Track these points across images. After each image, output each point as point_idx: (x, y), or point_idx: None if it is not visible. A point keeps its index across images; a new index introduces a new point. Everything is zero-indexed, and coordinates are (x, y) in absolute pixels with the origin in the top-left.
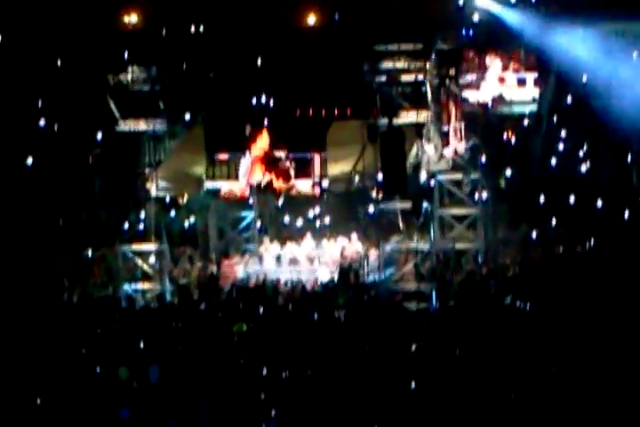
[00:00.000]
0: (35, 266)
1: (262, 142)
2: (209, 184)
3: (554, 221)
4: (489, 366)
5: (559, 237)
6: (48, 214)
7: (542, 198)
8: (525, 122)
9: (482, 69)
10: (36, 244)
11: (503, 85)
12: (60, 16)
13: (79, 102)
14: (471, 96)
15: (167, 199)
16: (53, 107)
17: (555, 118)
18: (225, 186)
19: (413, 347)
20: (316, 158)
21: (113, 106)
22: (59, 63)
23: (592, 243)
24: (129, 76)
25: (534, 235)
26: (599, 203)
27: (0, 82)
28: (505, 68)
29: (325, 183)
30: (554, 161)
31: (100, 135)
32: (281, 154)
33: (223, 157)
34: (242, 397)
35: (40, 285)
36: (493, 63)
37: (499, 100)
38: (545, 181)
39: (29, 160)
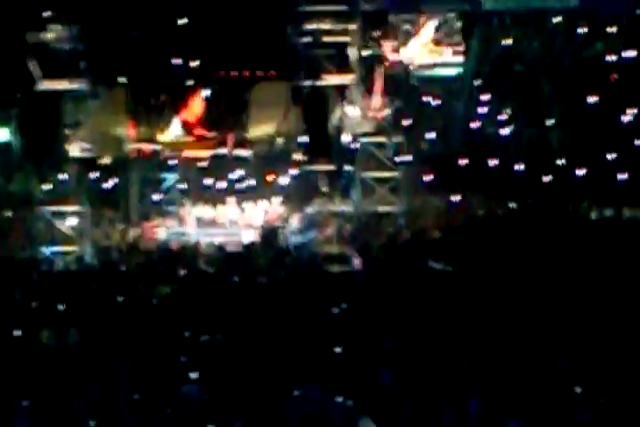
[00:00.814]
0: None
1: (188, 105)
2: (130, 145)
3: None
4: (409, 327)
5: (480, 201)
6: None
7: (464, 162)
8: (448, 85)
9: (406, 32)
10: None
11: (427, 48)
12: None
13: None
14: (395, 59)
15: (88, 160)
16: None
17: (477, 82)
18: (146, 147)
19: (335, 309)
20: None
21: (33, 65)
22: None
23: (512, 206)
24: (50, 35)
25: (456, 198)
26: (520, 166)
27: None
28: (429, 31)
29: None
30: (475, 125)
31: (19, 95)
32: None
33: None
34: (162, 359)
35: None
36: (417, 26)
37: (422, 63)
38: (466, 145)
39: None
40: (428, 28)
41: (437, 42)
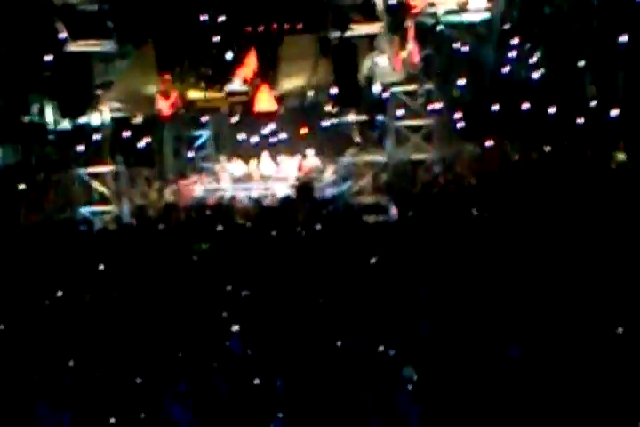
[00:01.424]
0: None
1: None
2: (163, 104)
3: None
4: (447, 276)
5: (514, 145)
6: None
7: (496, 107)
8: (477, 31)
9: None
10: None
11: None
12: None
13: (26, 24)
14: (423, 6)
15: (121, 120)
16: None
17: (507, 26)
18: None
19: (373, 260)
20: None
21: (61, 27)
22: None
23: (547, 149)
24: None
25: (489, 144)
26: (552, 110)
27: None
28: None
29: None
30: (506, 69)
31: (49, 57)
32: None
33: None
34: (204, 314)
35: None
36: None
37: (451, 9)
38: (498, 90)
39: None
40: None
41: None
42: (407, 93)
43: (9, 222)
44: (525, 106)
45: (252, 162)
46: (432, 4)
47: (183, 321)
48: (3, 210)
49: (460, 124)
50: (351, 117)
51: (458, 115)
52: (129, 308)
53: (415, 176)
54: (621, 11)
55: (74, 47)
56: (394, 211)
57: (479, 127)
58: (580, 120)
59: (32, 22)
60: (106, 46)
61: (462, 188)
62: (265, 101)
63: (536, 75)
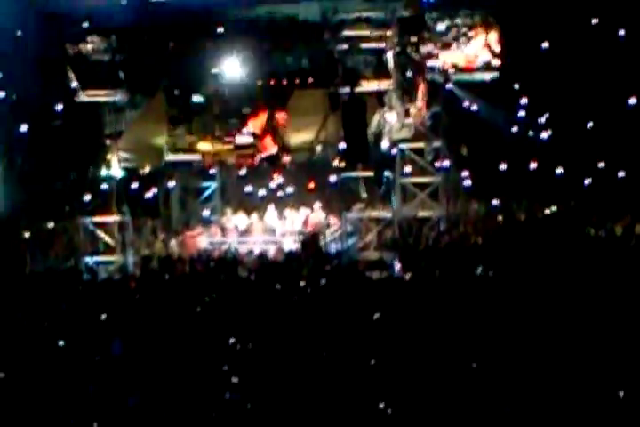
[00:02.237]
0: None
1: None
2: (170, 155)
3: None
4: (451, 334)
5: (520, 205)
6: (9, 187)
7: (503, 166)
8: (487, 89)
9: (443, 37)
10: None
11: (465, 53)
12: None
13: (39, 73)
14: (433, 64)
15: (129, 170)
16: (12, 77)
17: (516, 86)
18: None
19: (376, 315)
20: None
21: (72, 76)
22: (18, 33)
23: (553, 210)
24: (88, 46)
25: (496, 203)
26: (560, 170)
27: None
28: (467, 35)
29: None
30: (514, 129)
31: (59, 106)
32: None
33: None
34: (205, 366)
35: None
36: (455, 31)
37: (460, 67)
38: (506, 149)
39: None
40: (467, 32)
41: (475, 45)
42: (415, 150)
43: (13, 270)
44: (533, 165)
45: (258, 215)
46: (442, 62)
47: (184, 373)
48: (8, 257)
49: (466, 183)
50: (358, 173)
51: (465, 173)
52: (130, 358)
53: (420, 233)
54: (632, 72)
55: (85, 97)
56: (398, 267)
57: (486, 186)
58: (588, 181)
59: (44, 70)
60: (116, 96)
61: (467, 246)
62: (268, 146)
63: (544, 134)
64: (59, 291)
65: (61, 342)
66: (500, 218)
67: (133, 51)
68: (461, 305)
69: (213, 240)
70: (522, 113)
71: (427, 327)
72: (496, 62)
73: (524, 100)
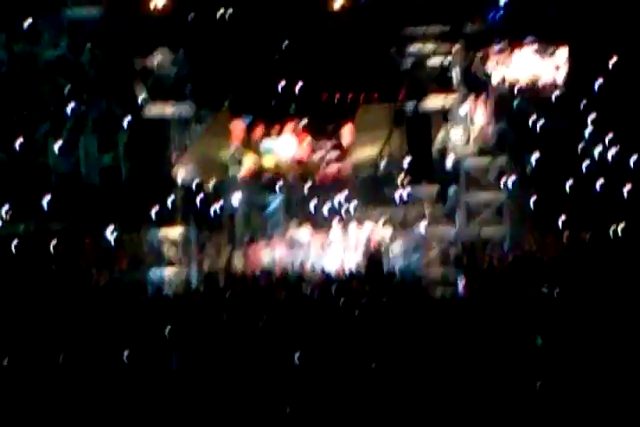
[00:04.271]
0: (62, 250)
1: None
2: (235, 169)
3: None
4: (515, 353)
5: (587, 223)
6: (76, 199)
7: (569, 184)
8: (553, 106)
9: (510, 52)
10: (64, 228)
11: (532, 69)
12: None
13: (107, 86)
14: (499, 80)
15: (194, 184)
16: (81, 91)
17: (583, 103)
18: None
19: (438, 333)
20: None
21: (140, 90)
22: (88, 46)
23: (620, 228)
24: (156, 60)
25: (561, 220)
26: (627, 188)
27: (29, 65)
28: (534, 51)
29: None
30: (581, 145)
31: (127, 120)
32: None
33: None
34: (265, 383)
35: (67, 269)
36: (522, 46)
37: (527, 83)
38: (572, 167)
39: (57, 145)
40: (534, 48)
41: (543, 62)
42: (480, 167)
43: (79, 282)
44: (600, 183)
45: (322, 230)
46: (508, 78)
47: (244, 389)
48: (73, 269)
49: (531, 200)
50: (423, 189)
51: (530, 190)
52: (191, 373)
53: (484, 251)
54: None
55: (151, 110)
56: (462, 285)
57: (551, 204)
58: None
59: (113, 84)
60: (183, 110)
61: (531, 265)
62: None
63: (611, 152)
64: (123, 303)
65: (125, 354)
66: (565, 236)
67: (200, 65)
68: (525, 324)
69: (277, 255)
70: (588, 130)
71: (490, 346)
72: (563, 79)
73: (590, 117)
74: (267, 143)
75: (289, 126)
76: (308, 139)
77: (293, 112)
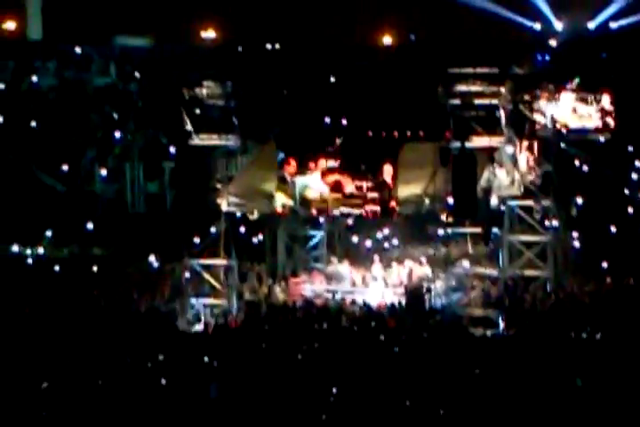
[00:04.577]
0: (104, 276)
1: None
2: (279, 201)
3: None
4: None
5: (631, 268)
6: (120, 226)
7: (613, 228)
8: (599, 150)
9: (557, 96)
10: (108, 254)
11: (578, 112)
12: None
13: (154, 115)
14: (545, 122)
15: (237, 215)
16: (129, 119)
17: (630, 148)
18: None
19: (477, 372)
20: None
21: (187, 120)
22: (137, 75)
23: None
24: (204, 91)
25: (605, 264)
26: None
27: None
28: (580, 94)
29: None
30: (627, 191)
31: (173, 149)
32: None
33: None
34: (306, 415)
35: (108, 295)
36: (568, 90)
37: (573, 127)
38: (617, 211)
39: (103, 172)
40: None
41: (588, 106)
42: (524, 208)
43: (120, 308)
44: None
45: (364, 266)
46: (554, 121)
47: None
48: (115, 296)
49: (575, 243)
50: (466, 228)
51: (574, 233)
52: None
53: (527, 292)
54: None
55: (197, 140)
56: (502, 325)
57: (595, 247)
58: None
59: (161, 113)
60: (229, 141)
61: (573, 308)
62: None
63: None
64: (163, 331)
65: (163, 381)
66: (608, 280)
67: (247, 97)
68: (565, 366)
69: (318, 288)
70: (635, 176)
71: (529, 386)
72: (610, 123)
73: (638, 163)
74: (311, 178)
75: (333, 162)
76: (352, 175)
77: (338, 148)
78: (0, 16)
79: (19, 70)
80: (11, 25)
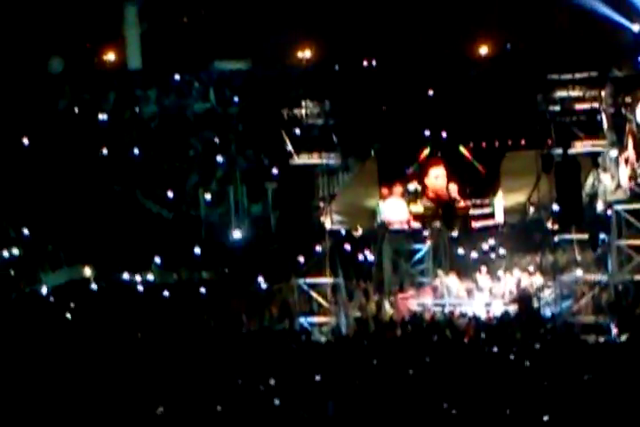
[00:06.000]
0: (213, 299)
1: (436, 175)
2: (383, 217)
3: None
4: None
5: None
6: (226, 248)
7: None
8: None
9: None
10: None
11: None
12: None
13: (255, 137)
14: None
15: (342, 232)
16: (229, 142)
17: None
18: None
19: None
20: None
21: (287, 140)
22: (236, 99)
23: None
24: (303, 111)
25: None
26: None
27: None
28: None
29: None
30: None
31: (276, 169)
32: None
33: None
34: None
35: (218, 317)
36: None
37: None
38: None
39: (207, 196)
40: None
41: None
42: (631, 212)
43: (230, 329)
44: None
45: (471, 277)
46: None
47: None
48: (225, 317)
49: None
50: (573, 235)
51: None
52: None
53: (638, 297)
54: None
55: (299, 160)
56: (615, 332)
57: None
58: None
59: (263, 134)
60: (329, 159)
61: None
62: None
63: None
64: (274, 351)
65: (277, 402)
66: None
67: (346, 114)
68: None
69: (426, 302)
70: None
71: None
72: None
73: None
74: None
75: (435, 173)
76: (456, 185)
77: (440, 159)
78: (100, 48)
79: (120, 100)
80: (111, 56)
